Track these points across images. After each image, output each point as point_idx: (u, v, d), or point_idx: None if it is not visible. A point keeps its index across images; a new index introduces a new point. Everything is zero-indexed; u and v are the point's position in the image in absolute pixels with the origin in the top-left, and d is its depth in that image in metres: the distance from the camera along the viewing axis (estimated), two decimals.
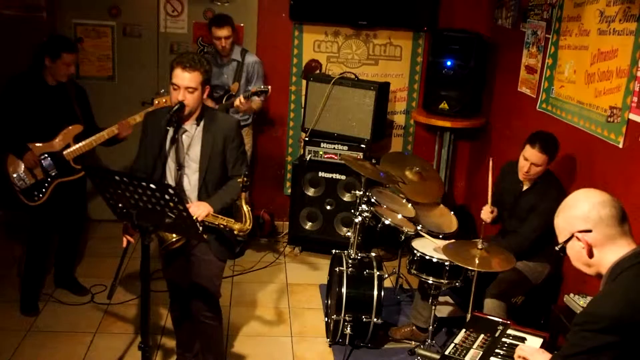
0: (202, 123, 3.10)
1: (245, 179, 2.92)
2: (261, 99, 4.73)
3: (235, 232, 3.03)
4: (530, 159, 3.54)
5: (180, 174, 3.10)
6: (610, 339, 1.85)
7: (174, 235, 3.05)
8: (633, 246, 1.99)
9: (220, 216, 3.02)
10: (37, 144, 3.93)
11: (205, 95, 3.08)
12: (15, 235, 4.79)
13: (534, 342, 2.63)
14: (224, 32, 4.68)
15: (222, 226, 3.02)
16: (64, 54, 3.85)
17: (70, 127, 4.00)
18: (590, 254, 2.00)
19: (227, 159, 3.13)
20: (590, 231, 1.98)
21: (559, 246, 2.07)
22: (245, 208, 3.01)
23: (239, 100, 4.50)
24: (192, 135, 3.09)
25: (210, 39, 5.09)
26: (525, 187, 3.70)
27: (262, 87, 4.63)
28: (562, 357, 1.97)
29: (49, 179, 3.98)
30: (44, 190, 3.96)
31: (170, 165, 3.10)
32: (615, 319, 1.85)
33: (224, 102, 4.72)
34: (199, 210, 2.96)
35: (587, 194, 2.05)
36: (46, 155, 3.95)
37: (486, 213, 3.80)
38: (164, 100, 3.86)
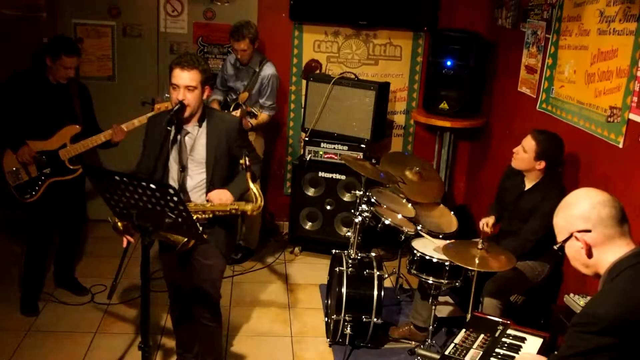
0: (204, 124, 3.10)
1: (247, 159, 2.91)
2: (264, 118, 4.80)
3: (249, 213, 3.01)
4: (522, 142, 3.64)
5: (184, 175, 3.11)
6: (608, 340, 1.85)
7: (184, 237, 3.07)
8: (632, 247, 1.98)
9: (229, 205, 3.02)
10: (34, 141, 3.93)
11: (205, 96, 3.08)
12: (15, 235, 4.79)
13: (534, 342, 2.63)
14: (240, 45, 4.69)
15: (233, 211, 3.01)
16: (64, 57, 3.85)
17: (68, 127, 4.00)
18: (589, 254, 1.99)
19: (235, 157, 3.13)
20: (589, 231, 1.98)
21: (558, 245, 2.06)
22: (255, 188, 2.98)
23: (237, 114, 4.56)
24: (195, 136, 3.10)
25: (211, 39, 5.13)
26: (526, 187, 3.70)
27: (254, 109, 4.64)
28: (560, 358, 1.96)
29: (42, 177, 3.98)
30: (37, 188, 3.97)
31: (173, 166, 3.11)
32: (613, 320, 1.84)
33: (230, 109, 4.73)
34: (220, 195, 3.02)
35: (587, 193, 2.04)
36: (42, 153, 3.96)
37: (485, 225, 3.86)
38: (165, 105, 3.85)
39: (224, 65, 5.01)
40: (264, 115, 4.83)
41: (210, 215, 3.02)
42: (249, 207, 3.01)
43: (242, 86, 4.84)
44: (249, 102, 4.79)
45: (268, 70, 4.83)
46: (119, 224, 2.97)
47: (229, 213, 3.03)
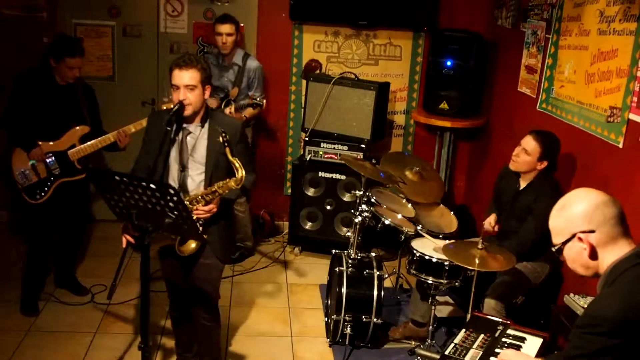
0: (206, 125, 3.10)
1: (224, 134, 2.94)
2: (256, 111, 4.78)
3: (234, 187, 2.97)
4: (523, 144, 3.62)
5: (184, 175, 3.11)
6: (613, 341, 1.84)
7: (193, 244, 3.08)
8: (633, 246, 1.97)
9: (215, 186, 3.00)
10: (43, 143, 3.94)
11: (206, 95, 3.08)
12: (18, 236, 4.80)
13: (533, 342, 2.63)
14: (226, 28, 4.70)
15: (221, 191, 2.98)
16: (67, 58, 3.84)
17: (77, 128, 4.00)
18: (592, 255, 1.97)
19: None
20: (593, 232, 1.96)
21: (557, 247, 2.02)
22: (234, 160, 2.95)
23: (228, 110, 4.56)
24: (197, 136, 3.09)
25: (211, 39, 5.13)
26: (521, 187, 3.70)
27: (257, 100, 4.64)
28: (564, 359, 1.95)
29: (52, 178, 3.98)
30: (46, 189, 3.97)
31: (173, 166, 3.10)
32: (618, 321, 1.84)
33: (222, 107, 4.73)
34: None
35: (587, 194, 2.01)
36: (51, 154, 3.96)
37: (488, 224, 3.87)
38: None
39: None
40: (249, 111, 4.83)
41: (202, 203, 3.00)
42: (232, 183, 2.97)
43: (229, 83, 4.85)
44: (239, 97, 4.80)
45: (252, 63, 4.87)
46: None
47: (218, 195, 3.00)
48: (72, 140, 4.00)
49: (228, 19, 4.74)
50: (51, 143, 3.96)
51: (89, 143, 4.01)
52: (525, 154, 3.59)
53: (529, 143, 3.58)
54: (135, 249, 2.94)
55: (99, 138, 4.01)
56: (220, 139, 2.96)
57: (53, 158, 3.96)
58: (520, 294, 3.74)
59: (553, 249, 2.05)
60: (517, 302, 3.76)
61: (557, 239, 2.04)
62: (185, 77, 2.96)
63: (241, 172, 2.94)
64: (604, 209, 1.95)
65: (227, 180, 2.98)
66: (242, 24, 5.16)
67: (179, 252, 3.08)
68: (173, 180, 3.11)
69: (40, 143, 3.92)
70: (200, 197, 3.00)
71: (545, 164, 3.58)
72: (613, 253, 1.96)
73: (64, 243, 4.38)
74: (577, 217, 1.98)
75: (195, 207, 2.98)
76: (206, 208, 3.00)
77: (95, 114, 4.17)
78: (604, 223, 1.95)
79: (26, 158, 3.91)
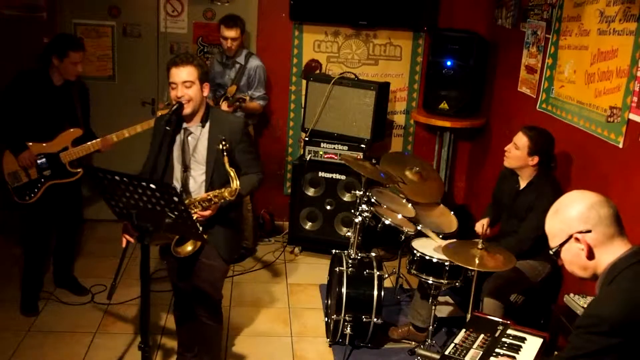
0: (207, 125, 3.09)
1: (224, 142, 2.91)
2: (254, 106, 4.80)
3: (228, 198, 2.95)
4: (514, 139, 3.66)
5: (186, 175, 3.10)
6: (614, 341, 1.84)
7: (189, 247, 3.08)
8: (629, 246, 1.98)
9: (211, 194, 2.98)
10: (36, 143, 3.93)
11: (205, 93, 3.08)
12: (16, 236, 4.79)
13: (533, 342, 2.63)
14: (231, 33, 4.69)
15: (215, 199, 2.97)
16: (71, 53, 3.84)
17: (70, 130, 4.00)
18: (590, 256, 1.98)
19: (238, 161, 3.09)
20: (589, 232, 1.97)
21: (554, 249, 2.03)
22: (231, 171, 2.93)
23: (225, 105, 4.55)
24: (198, 136, 3.09)
25: (211, 39, 5.12)
26: (522, 187, 3.71)
27: (242, 95, 4.64)
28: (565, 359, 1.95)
29: (42, 180, 3.97)
30: (36, 190, 3.96)
31: (176, 166, 3.10)
32: (618, 320, 1.84)
33: (220, 103, 4.74)
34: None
35: (582, 195, 2.03)
36: (42, 155, 3.96)
37: (480, 226, 3.89)
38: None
39: (212, 64, 5.01)
40: (255, 104, 4.84)
41: (200, 209, 2.99)
42: (227, 193, 2.95)
43: (229, 80, 4.85)
44: (237, 94, 4.80)
45: (254, 62, 4.85)
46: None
47: (212, 203, 2.99)
48: (64, 143, 3.99)
49: (234, 23, 4.69)
50: (43, 144, 3.95)
51: (81, 146, 4.01)
52: (515, 149, 3.63)
53: (520, 138, 3.62)
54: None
55: (91, 142, 4.02)
56: (220, 146, 2.92)
57: (44, 160, 3.96)
58: (516, 291, 3.74)
59: (551, 252, 2.05)
60: (517, 302, 3.76)
61: (554, 242, 2.05)
62: (183, 73, 2.97)
63: (235, 184, 2.91)
64: (599, 209, 1.97)
65: (223, 190, 2.97)
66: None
67: (175, 252, 3.08)
68: (176, 180, 3.11)
69: (31, 144, 3.91)
70: (197, 202, 3.00)
71: (536, 159, 3.59)
72: (610, 252, 1.97)
73: (60, 243, 4.37)
74: (573, 218, 1.99)
75: (193, 211, 2.97)
76: (204, 213, 3.00)
77: (87, 114, 4.16)
78: (600, 223, 1.96)
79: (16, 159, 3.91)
